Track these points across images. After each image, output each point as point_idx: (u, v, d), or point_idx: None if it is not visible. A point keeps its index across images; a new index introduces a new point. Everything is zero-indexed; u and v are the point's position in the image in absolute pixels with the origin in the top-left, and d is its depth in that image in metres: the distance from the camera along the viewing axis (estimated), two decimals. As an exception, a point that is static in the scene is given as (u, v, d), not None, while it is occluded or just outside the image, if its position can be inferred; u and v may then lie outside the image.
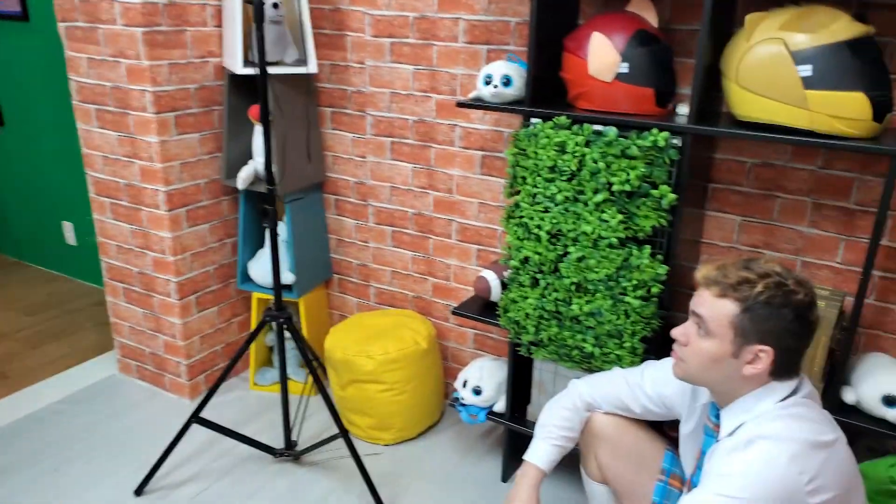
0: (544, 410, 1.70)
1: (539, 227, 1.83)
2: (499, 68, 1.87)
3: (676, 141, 1.67)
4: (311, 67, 2.33)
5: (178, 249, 2.46)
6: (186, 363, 2.59)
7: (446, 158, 2.36)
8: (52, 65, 3.22)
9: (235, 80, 2.39)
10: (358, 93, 2.46)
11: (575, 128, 1.75)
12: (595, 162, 1.72)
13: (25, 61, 3.33)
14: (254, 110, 2.35)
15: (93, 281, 3.60)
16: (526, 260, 1.89)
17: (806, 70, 1.48)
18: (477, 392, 2.13)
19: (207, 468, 2.24)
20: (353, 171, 2.58)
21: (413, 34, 2.28)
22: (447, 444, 2.39)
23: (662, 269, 1.72)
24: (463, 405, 2.17)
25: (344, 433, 2.01)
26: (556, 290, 1.85)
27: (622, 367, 1.80)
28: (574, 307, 1.82)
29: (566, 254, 1.83)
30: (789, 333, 1.24)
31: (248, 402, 2.62)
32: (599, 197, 1.73)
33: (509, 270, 1.93)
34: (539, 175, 1.81)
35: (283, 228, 2.54)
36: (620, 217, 1.72)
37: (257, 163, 2.41)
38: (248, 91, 2.44)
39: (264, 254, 2.59)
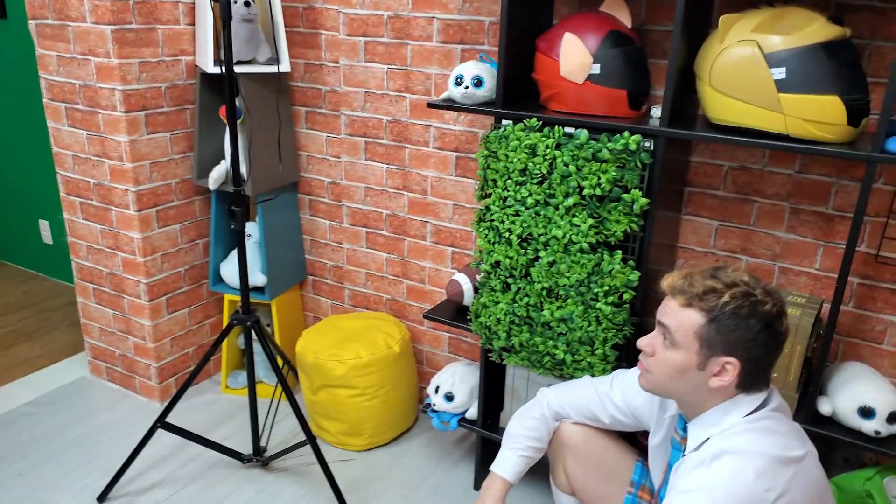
0: (512, 419, 1.66)
1: (510, 230, 1.78)
2: (470, 69, 1.82)
3: (649, 144, 1.62)
4: (284, 66, 2.28)
5: (149, 250, 2.41)
6: (156, 365, 2.54)
7: (420, 159, 2.31)
8: (28, 63, 3.16)
9: (207, 78, 2.34)
10: (332, 92, 2.42)
11: (546, 130, 1.71)
12: (566, 165, 1.68)
13: (2, 59, 3.27)
14: (224, 110, 2.30)
15: (69, 280, 3.55)
16: (497, 264, 1.85)
17: (780, 73, 1.44)
18: (449, 398, 2.09)
19: (174, 474, 2.19)
20: (328, 171, 2.53)
21: (387, 33, 2.23)
22: (420, 451, 2.35)
23: (634, 275, 1.68)
24: (435, 411, 2.13)
25: (311, 440, 1.96)
26: (527, 296, 1.81)
27: (594, 374, 1.76)
28: (545, 313, 1.78)
29: (537, 258, 1.79)
30: (756, 345, 1.21)
31: (220, 405, 2.57)
32: (570, 201, 1.69)
33: (481, 274, 1.89)
34: (510, 178, 1.76)
35: (255, 229, 2.50)
36: (591, 221, 1.68)
37: (230, 162, 2.36)
38: (220, 90, 2.39)
39: (236, 255, 2.54)
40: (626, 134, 1.62)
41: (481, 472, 2.16)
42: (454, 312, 2.07)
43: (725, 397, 1.25)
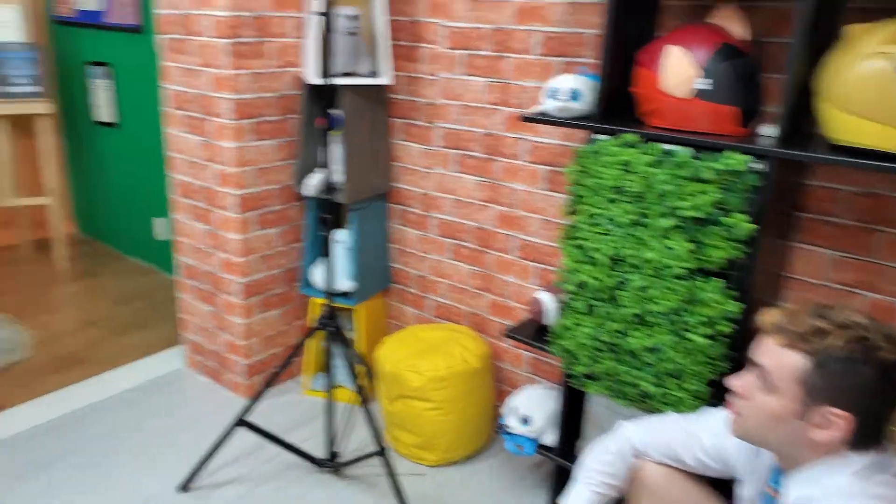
0: (588, 452, 1.56)
1: (598, 250, 1.69)
2: (567, 81, 1.75)
3: (758, 165, 1.49)
4: (386, 79, 2.31)
5: (246, 251, 2.50)
6: (246, 363, 2.62)
7: (511, 172, 2.26)
8: (153, 73, 3.40)
9: (312, 89, 2.40)
10: (429, 104, 2.42)
11: (643, 146, 1.61)
12: (663, 184, 1.57)
13: (139, 68, 3.54)
14: (321, 120, 2.36)
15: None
16: (582, 285, 1.75)
17: (915, 89, 1.28)
18: (525, 421, 2.01)
19: (252, 471, 2.24)
20: (419, 181, 2.53)
21: (488, 46, 2.21)
22: (492, 473, 2.28)
23: (734, 307, 1.55)
24: (509, 433, 2.05)
25: (382, 451, 1.94)
26: (613, 321, 1.70)
27: (682, 411, 1.63)
28: (632, 340, 1.67)
29: (626, 282, 1.68)
30: (870, 396, 1.06)
31: (301, 406, 2.61)
32: (666, 222, 1.58)
33: (564, 294, 1.81)
34: (601, 195, 1.67)
35: (346, 236, 2.53)
36: (689, 246, 1.56)
37: (328, 171, 2.41)
38: (325, 101, 2.45)
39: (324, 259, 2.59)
40: (733, 153, 1.49)
41: (554, 502, 2.05)
42: (536, 332, 2.00)
43: (830, 453, 1.10)
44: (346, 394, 2.65)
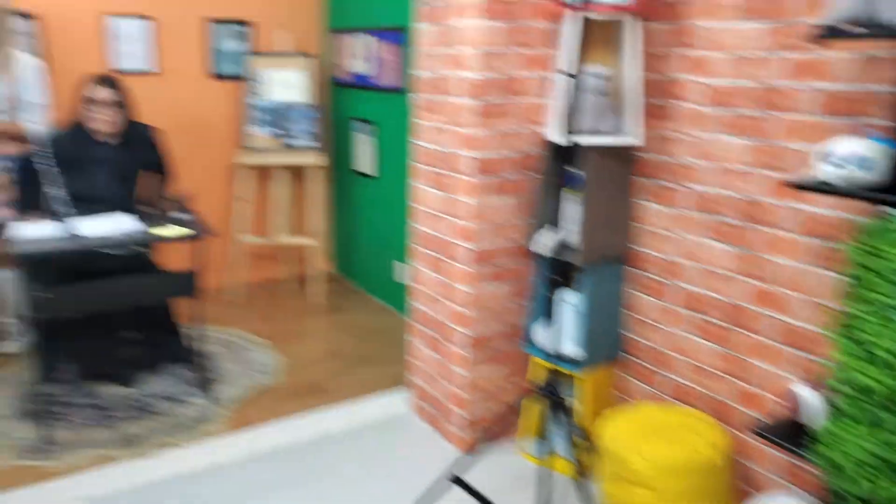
0: None
1: (880, 346, 1.39)
2: (849, 146, 1.51)
3: None
4: (636, 139, 2.22)
5: (475, 304, 2.54)
6: (464, 415, 2.63)
7: (770, 243, 2.00)
8: (403, 128, 3.71)
9: (554, 148, 2.40)
10: (678, 164, 2.26)
11: (956, 224, 1.30)
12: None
13: (398, 126, 3.89)
14: (566, 180, 2.32)
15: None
16: (866, 390, 1.45)
17: None
18: (772, 537, 1.70)
19: (458, 527, 2.21)
20: (660, 245, 2.36)
21: (751, 104, 2.01)
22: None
23: None
24: (751, 548, 1.76)
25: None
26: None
27: None
28: (928, 465, 1.33)
29: (923, 390, 1.36)
30: None
31: (514, 469, 2.53)
32: None
33: (834, 394, 1.51)
34: (891, 280, 1.38)
35: (577, 298, 2.44)
36: None
37: (563, 230, 2.37)
38: (565, 160, 2.43)
39: (551, 320, 2.52)
40: None
41: None
42: (792, 431, 1.70)
43: None
44: (562, 464, 2.52)
